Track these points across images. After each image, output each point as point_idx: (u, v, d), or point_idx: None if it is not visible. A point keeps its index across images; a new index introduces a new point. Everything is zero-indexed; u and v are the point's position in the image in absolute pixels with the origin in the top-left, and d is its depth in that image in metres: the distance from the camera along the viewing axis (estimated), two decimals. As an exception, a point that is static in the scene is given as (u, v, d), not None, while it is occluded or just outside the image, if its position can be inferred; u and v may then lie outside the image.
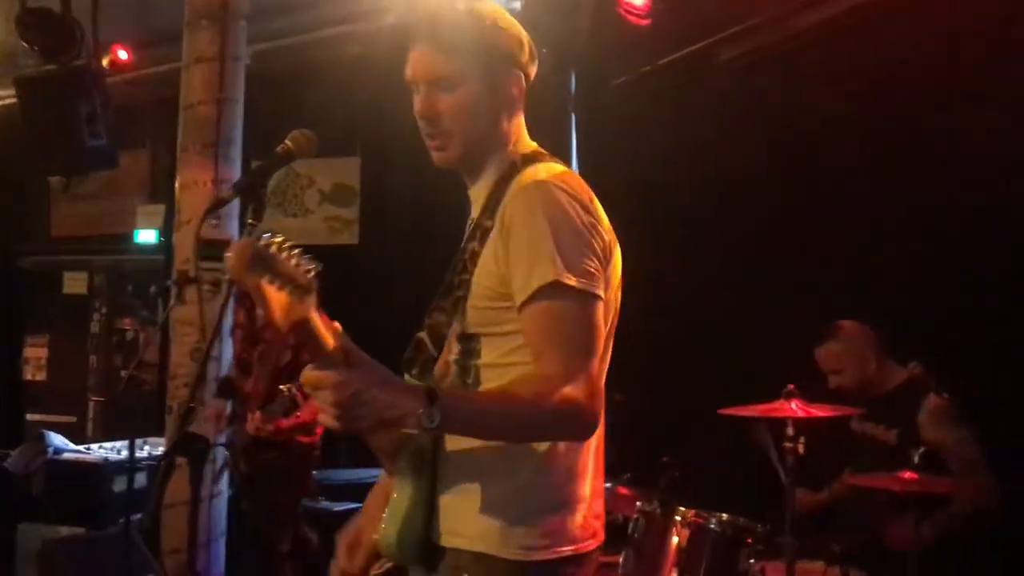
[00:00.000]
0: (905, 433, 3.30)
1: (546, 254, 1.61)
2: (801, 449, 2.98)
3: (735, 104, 4.53)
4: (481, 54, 1.74)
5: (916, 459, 2.90)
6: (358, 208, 6.46)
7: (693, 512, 3.05)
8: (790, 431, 2.99)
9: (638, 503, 3.19)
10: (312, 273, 1.55)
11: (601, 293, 1.66)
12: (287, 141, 1.78)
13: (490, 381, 1.71)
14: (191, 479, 1.64)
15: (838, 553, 3.01)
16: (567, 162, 5.26)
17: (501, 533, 1.68)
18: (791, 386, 3.04)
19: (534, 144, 1.85)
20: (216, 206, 1.74)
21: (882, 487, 3.10)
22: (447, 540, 1.73)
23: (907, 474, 2.91)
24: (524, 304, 1.63)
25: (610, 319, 1.76)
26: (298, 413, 4.04)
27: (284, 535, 4.38)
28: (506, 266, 1.66)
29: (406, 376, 1.77)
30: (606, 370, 1.76)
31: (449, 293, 1.76)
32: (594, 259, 1.65)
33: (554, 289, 1.60)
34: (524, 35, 1.82)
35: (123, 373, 7.11)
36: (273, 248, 1.50)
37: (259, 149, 5.87)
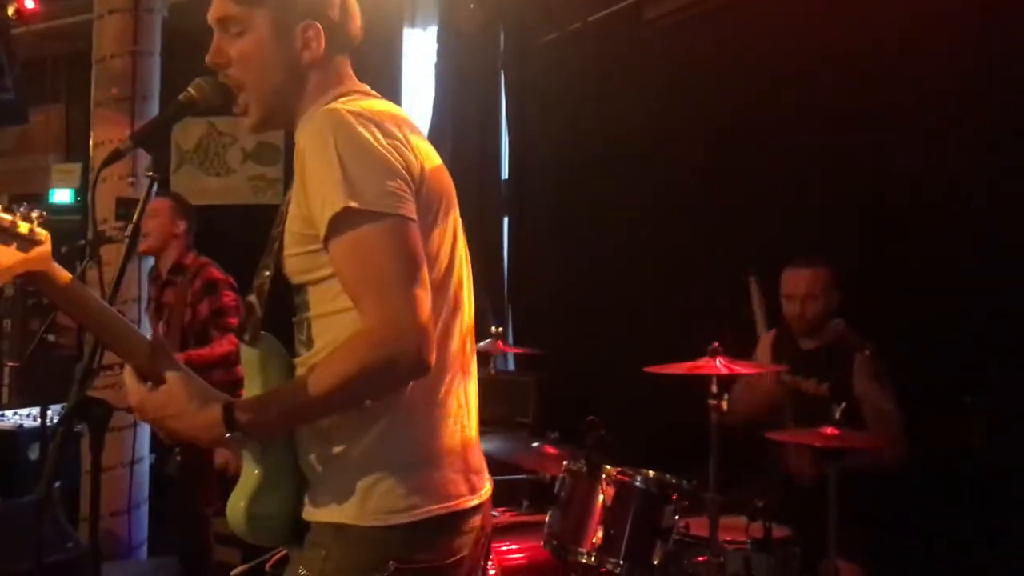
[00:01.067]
0: (838, 388, 3.35)
1: (336, 181, 1.48)
2: (725, 406, 2.99)
3: (663, 62, 4.51)
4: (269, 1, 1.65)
5: (837, 414, 2.94)
6: (282, 167, 6.30)
7: (618, 470, 3.05)
8: (714, 388, 3.00)
9: (564, 462, 3.18)
10: (37, 223, 1.49)
11: (409, 214, 1.52)
12: (190, 88, 1.67)
13: (322, 333, 1.60)
14: (91, 445, 1.56)
15: (760, 508, 3.05)
16: (495, 119, 5.26)
17: (358, 499, 1.56)
18: (716, 343, 3.04)
19: (361, 86, 1.73)
20: (112, 158, 1.63)
21: (803, 443, 3.14)
22: (308, 513, 1.62)
23: (828, 429, 2.94)
24: (326, 240, 1.50)
25: (444, 251, 1.64)
26: (205, 349, 4.01)
27: (208, 497, 4.28)
28: (307, 205, 1.53)
29: (241, 343, 1.67)
30: (448, 311, 1.65)
31: (271, 248, 1.66)
32: (397, 179, 1.52)
33: (351, 217, 1.47)
34: None
35: (45, 335, 6.86)
36: None
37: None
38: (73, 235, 6.64)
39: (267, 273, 1.64)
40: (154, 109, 5.03)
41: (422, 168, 1.59)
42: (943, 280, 3.66)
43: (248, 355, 1.66)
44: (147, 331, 4.57)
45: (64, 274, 1.53)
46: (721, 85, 4.29)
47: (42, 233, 1.50)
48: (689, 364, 3.05)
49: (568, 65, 4.89)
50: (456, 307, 1.67)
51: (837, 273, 3.60)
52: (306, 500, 1.63)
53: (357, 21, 1.74)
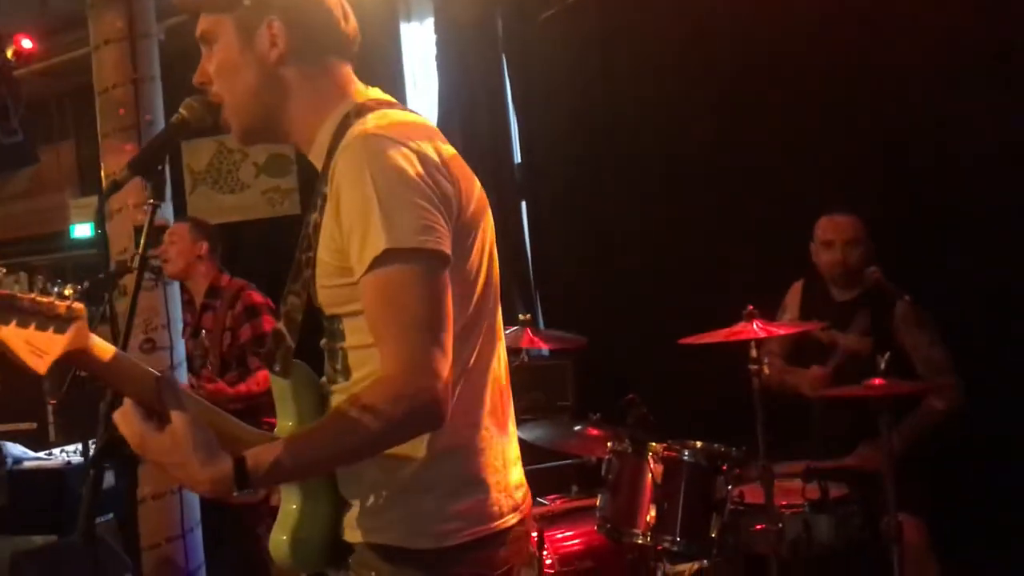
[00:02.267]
0: (881, 340, 3.28)
1: (374, 218, 1.44)
2: (767, 370, 2.94)
3: (666, 26, 4.42)
4: (229, 3, 1.61)
5: (883, 365, 2.87)
6: (296, 176, 6.29)
7: (665, 446, 3.00)
8: (754, 353, 2.94)
9: (609, 443, 3.14)
10: (71, 301, 1.42)
11: (444, 248, 1.48)
12: (181, 110, 1.64)
13: (360, 365, 1.57)
14: (127, 484, 1.53)
15: (815, 469, 2.99)
16: (502, 104, 5.20)
17: (408, 522, 1.55)
18: (750, 307, 2.98)
19: (373, 92, 1.69)
20: (111, 190, 1.60)
21: (852, 396, 3.08)
22: (351, 535, 1.60)
23: (875, 380, 2.88)
24: (360, 278, 1.48)
25: (482, 273, 1.62)
26: (241, 386, 4.00)
27: (255, 515, 4.29)
28: (341, 237, 1.50)
29: (271, 374, 1.63)
30: (486, 330, 1.63)
31: (299, 274, 1.61)
32: (434, 212, 1.48)
33: (387, 257, 1.44)
34: None
35: (79, 373, 6.92)
36: None
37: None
38: (97, 268, 6.70)
39: (297, 301, 1.61)
40: (161, 134, 5.02)
41: (459, 193, 1.56)
42: (973, 225, 3.59)
43: (280, 385, 1.63)
44: (181, 354, 4.62)
45: (101, 345, 1.48)
46: (728, 44, 4.21)
47: (77, 309, 1.44)
48: (725, 331, 3.00)
49: (569, 40, 4.82)
50: (492, 324, 1.66)
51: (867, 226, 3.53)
52: (347, 523, 1.61)
53: (337, 17, 1.67)
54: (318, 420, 1.56)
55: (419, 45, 5.67)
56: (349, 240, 1.48)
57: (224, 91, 1.64)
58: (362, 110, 1.60)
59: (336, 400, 1.61)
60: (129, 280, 4.27)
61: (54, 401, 6.46)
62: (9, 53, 5.23)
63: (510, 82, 5.24)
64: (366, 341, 1.54)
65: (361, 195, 1.46)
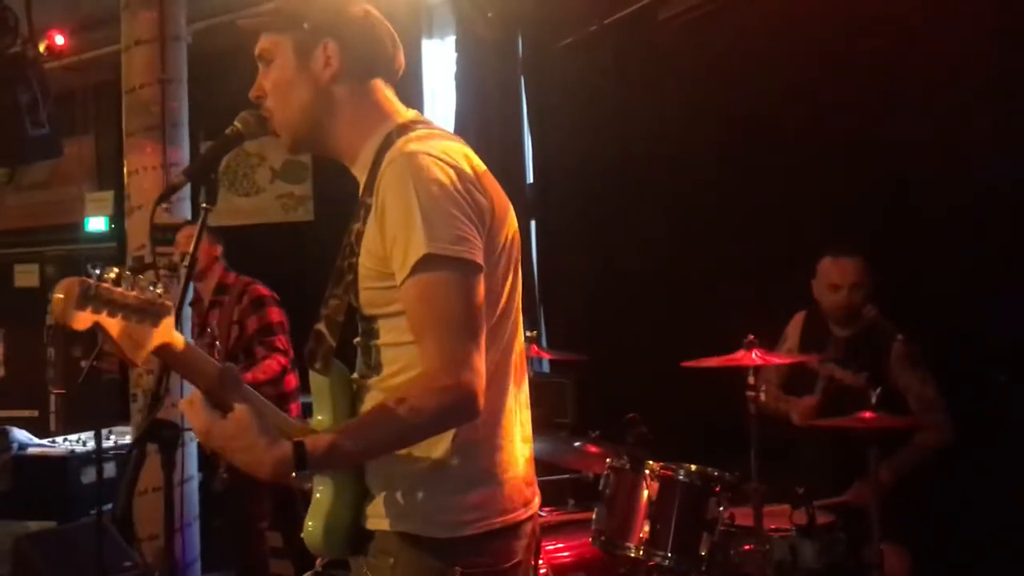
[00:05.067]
0: (875, 377, 3.37)
1: (416, 227, 1.56)
2: (763, 397, 3.04)
3: (682, 61, 4.54)
4: (290, 25, 1.74)
5: (874, 399, 2.98)
6: (311, 184, 6.41)
7: (661, 465, 3.10)
8: (751, 380, 3.05)
9: (607, 460, 3.23)
10: (162, 296, 1.54)
11: (478, 259, 1.61)
12: (236, 123, 1.76)
13: (391, 362, 1.69)
14: (163, 465, 1.64)
15: (803, 495, 3.09)
16: (517, 124, 5.31)
17: (426, 511, 1.66)
18: (751, 336, 3.09)
19: (412, 113, 1.81)
20: (168, 193, 1.73)
21: (843, 427, 3.18)
22: (373, 523, 1.70)
23: (866, 414, 2.99)
24: (402, 282, 1.60)
25: (507, 283, 1.73)
26: (247, 375, 4.10)
27: (261, 510, 4.37)
28: (384, 245, 1.62)
29: (311, 370, 1.74)
30: (508, 336, 1.73)
31: (340, 278, 1.73)
32: (469, 224, 1.61)
33: (427, 262, 1.56)
34: (358, 4, 1.79)
35: (83, 364, 7.02)
36: (104, 283, 1.49)
37: (207, 129, 5.79)
38: (110, 261, 6.80)
39: (338, 304, 1.72)
40: (184, 135, 5.13)
41: (492, 208, 1.68)
42: (971, 264, 3.69)
43: (318, 382, 1.75)
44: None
45: (178, 338, 1.59)
46: (740, 81, 4.32)
47: (167, 305, 1.56)
48: (725, 357, 3.10)
49: (587, 68, 4.94)
50: (515, 331, 1.77)
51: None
52: (370, 511, 1.71)
53: (387, 44, 1.81)
54: (366, 411, 1.68)
55: (440, 62, 5.80)
56: (393, 247, 1.60)
57: (276, 106, 1.75)
58: (404, 129, 1.73)
59: (369, 393, 1.73)
60: (145, 277, 4.38)
61: (60, 391, 6.55)
62: (42, 48, 5.35)
63: (527, 103, 5.35)
64: (399, 339, 1.67)
65: (405, 205, 1.58)
